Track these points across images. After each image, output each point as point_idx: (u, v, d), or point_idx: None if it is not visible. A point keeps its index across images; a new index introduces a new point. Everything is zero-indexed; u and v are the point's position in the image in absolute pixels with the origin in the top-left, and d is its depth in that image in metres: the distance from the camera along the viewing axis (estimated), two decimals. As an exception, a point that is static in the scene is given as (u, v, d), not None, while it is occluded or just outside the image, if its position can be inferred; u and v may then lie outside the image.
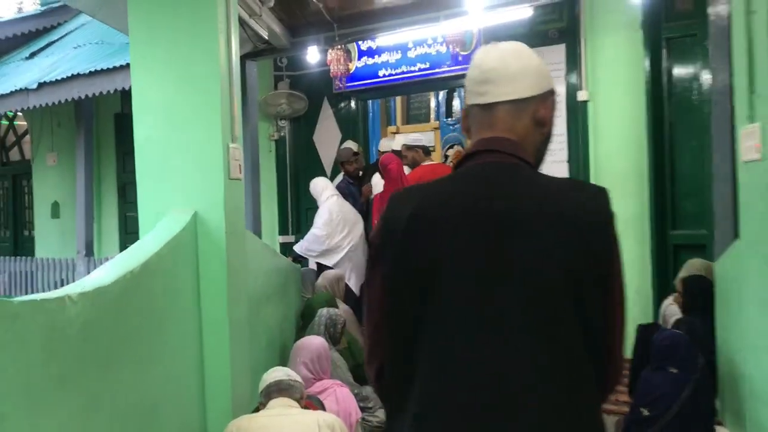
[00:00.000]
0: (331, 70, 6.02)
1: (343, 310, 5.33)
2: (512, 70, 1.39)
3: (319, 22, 5.67)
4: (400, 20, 5.42)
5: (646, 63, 5.53)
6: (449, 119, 9.03)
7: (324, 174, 7.51)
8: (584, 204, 1.28)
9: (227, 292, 3.53)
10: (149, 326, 2.89)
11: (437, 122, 9.15)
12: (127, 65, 5.63)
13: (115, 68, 6.59)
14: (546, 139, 1.47)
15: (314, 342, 4.05)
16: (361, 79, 7.03)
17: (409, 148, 5.91)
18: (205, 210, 3.52)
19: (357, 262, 6.05)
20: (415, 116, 9.48)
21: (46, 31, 9.87)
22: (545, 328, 1.23)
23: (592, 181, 5.79)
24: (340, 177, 6.74)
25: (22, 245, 10.45)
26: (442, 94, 9.02)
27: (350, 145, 6.69)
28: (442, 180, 1.41)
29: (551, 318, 1.24)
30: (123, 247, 8.79)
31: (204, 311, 3.51)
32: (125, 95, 7.42)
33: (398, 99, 9.29)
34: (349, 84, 7.00)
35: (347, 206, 6.14)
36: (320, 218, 6.01)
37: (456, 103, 9.03)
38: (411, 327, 1.30)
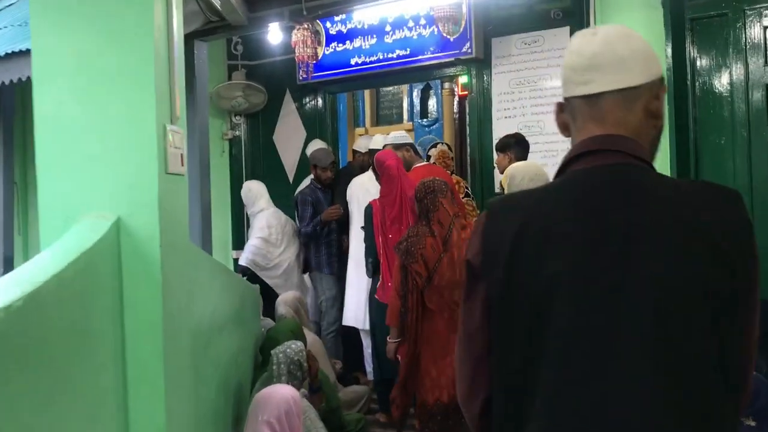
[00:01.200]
0: (297, 54, 5.08)
1: (311, 340, 4.37)
2: (620, 54, 1.28)
3: (283, -8, 4.73)
4: (383, -12, 4.51)
5: (668, 49, 4.71)
6: (424, 120, 8.16)
7: (286, 179, 6.55)
8: (719, 210, 1.19)
9: (163, 326, 2.56)
10: (43, 387, 1.89)
11: (411, 123, 8.26)
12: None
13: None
14: (659, 134, 1.35)
15: (280, 393, 3.07)
16: (330, 69, 6.09)
17: (397, 147, 5.02)
18: (132, 215, 2.55)
19: (294, 284, 5.42)
20: (385, 116, 8.60)
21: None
22: (680, 359, 1.11)
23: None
24: (306, 181, 5.79)
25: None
26: (416, 92, 8.13)
27: (322, 145, 5.78)
28: (551, 187, 1.34)
29: (686, 346, 1.11)
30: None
31: (130, 355, 2.52)
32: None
33: (367, 97, 8.39)
34: (315, 74, 6.04)
35: (285, 219, 5.59)
36: (260, 230, 5.16)
37: (432, 102, 8.15)
38: (522, 356, 1.20)
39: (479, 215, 1.34)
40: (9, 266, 6.92)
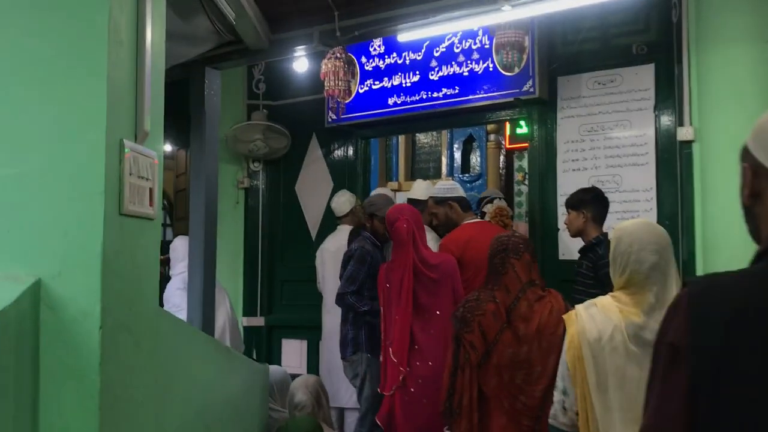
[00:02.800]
0: (326, 88, 4.20)
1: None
2: None
3: (312, 9, 3.90)
4: (438, 2, 3.66)
5: (780, 88, 3.79)
6: (466, 175, 7.28)
7: (308, 235, 5.63)
8: None
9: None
10: None
11: (450, 179, 7.36)
12: None
13: None
14: None
15: None
16: (364, 109, 5.22)
17: (439, 202, 4.09)
18: (59, 276, 1.64)
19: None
20: (421, 170, 7.72)
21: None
22: None
23: (699, 258, 3.97)
24: (341, 234, 4.83)
25: None
26: (457, 144, 7.27)
27: (383, 191, 4.81)
28: (759, 271, 1.18)
29: None
30: None
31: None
32: None
33: (401, 148, 7.56)
34: (347, 115, 5.19)
35: None
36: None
37: (475, 156, 7.28)
38: None
39: (679, 293, 1.20)
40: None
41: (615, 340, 2.23)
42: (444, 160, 7.57)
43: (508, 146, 6.72)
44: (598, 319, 2.28)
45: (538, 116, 4.74)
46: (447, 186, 4.34)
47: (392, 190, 7.03)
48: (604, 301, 2.34)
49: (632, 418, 2.15)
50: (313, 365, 5.47)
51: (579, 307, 2.36)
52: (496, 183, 6.86)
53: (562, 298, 3.03)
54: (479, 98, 4.77)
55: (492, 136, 7.04)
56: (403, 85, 5.08)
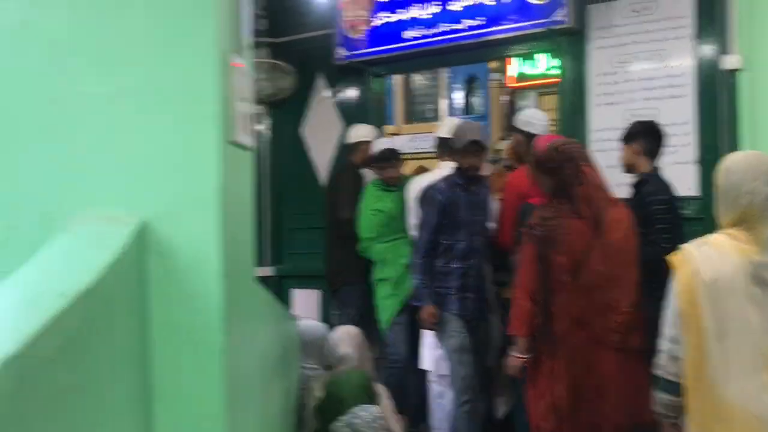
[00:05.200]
0: (344, 19, 3.88)
1: (384, 401, 3.17)
2: None
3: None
4: None
5: None
6: (467, 117, 7.01)
7: (315, 181, 5.35)
8: None
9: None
10: None
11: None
12: None
13: None
14: None
15: None
16: (377, 45, 4.90)
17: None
18: (169, 216, 1.37)
19: None
20: (418, 113, 7.44)
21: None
22: None
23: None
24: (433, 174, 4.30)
25: None
26: (458, 85, 7.00)
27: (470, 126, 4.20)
28: None
29: None
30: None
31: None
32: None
33: (398, 89, 7.25)
34: (358, 51, 4.86)
35: None
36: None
37: (478, 97, 7.02)
38: None
39: None
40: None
41: (735, 281, 2.03)
42: (443, 101, 7.30)
43: (509, 85, 6.48)
44: (714, 259, 2.08)
45: (568, 48, 4.48)
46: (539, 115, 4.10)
47: (390, 134, 6.77)
48: (718, 238, 2.14)
49: (753, 368, 1.97)
50: (326, 316, 5.25)
51: (688, 245, 2.16)
52: (500, 124, 6.63)
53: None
54: (505, 29, 4.47)
55: (495, 75, 6.77)
56: (421, 18, 4.76)
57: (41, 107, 1.34)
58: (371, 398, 2.97)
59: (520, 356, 2.93)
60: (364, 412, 2.80)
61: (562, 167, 2.88)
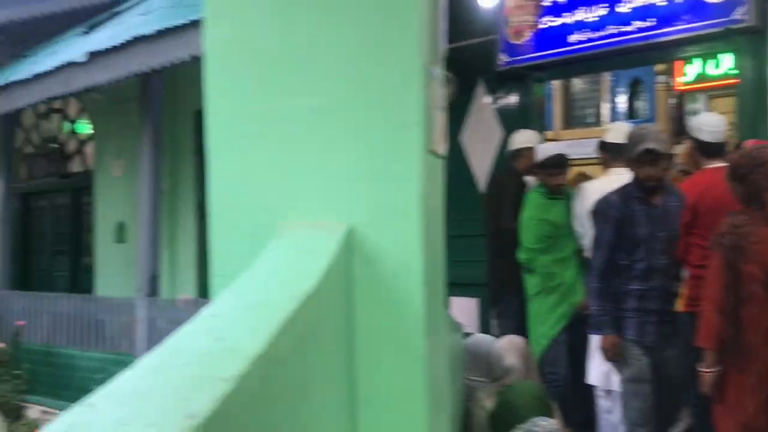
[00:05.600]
0: (510, 24, 3.84)
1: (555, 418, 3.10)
2: None
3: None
4: None
5: None
6: (632, 122, 6.75)
7: (475, 190, 5.33)
8: None
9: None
10: None
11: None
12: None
13: (191, 23, 4.53)
14: None
15: None
16: (541, 50, 4.82)
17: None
18: (374, 226, 1.41)
19: None
20: (578, 118, 7.24)
21: (114, 4, 7.95)
22: None
23: None
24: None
25: (80, 277, 8.59)
26: (622, 88, 6.75)
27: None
28: None
29: None
30: (201, 285, 6.78)
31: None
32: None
33: (556, 93, 7.10)
34: (520, 57, 4.81)
35: None
36: None
37: (642, 102, 6.75)
38: None
39: None
40: (154, 288, 6.08)
41: None
42: (605, 105, 7.08)
43: (683, 87, 6.15)
44: None
45: (748, 48, 4.21)
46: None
47: (549, 139, 6.62)
48: None
49: None
50: (485, 326, 5.21)
51: None
52: (667, 127, 6.33)
53: None
54: (678, 30, 4.28)
55: (661, 78, 6.47)
56: (587, 21, 4.64)
57: (258, 120, 1.42)
58: (546, 410, 2.91)
59: (708, 370, 2.81)
60: (544, 422, 2.74)
61: (753, 172, 2.74)
